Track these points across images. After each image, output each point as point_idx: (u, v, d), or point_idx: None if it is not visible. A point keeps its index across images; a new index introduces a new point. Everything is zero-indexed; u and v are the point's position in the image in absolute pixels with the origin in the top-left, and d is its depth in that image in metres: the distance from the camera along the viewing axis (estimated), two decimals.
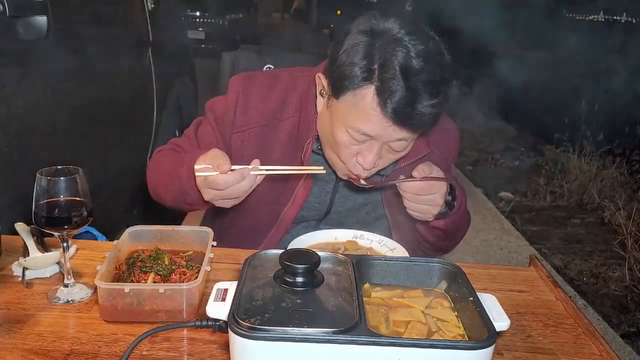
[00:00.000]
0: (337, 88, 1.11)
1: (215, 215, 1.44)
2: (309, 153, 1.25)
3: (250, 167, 1.08)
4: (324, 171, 1.15)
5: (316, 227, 1.34)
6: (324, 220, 1.35)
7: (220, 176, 1.06)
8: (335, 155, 1.20)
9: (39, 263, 1.08)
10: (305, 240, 1.22)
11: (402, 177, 1.19)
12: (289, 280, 0.83)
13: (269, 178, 1.18)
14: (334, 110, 1.15)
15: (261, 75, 1.34)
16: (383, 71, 1.04)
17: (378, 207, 1.35)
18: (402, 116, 1.05)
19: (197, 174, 1.09)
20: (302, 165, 1.24)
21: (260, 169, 1.09)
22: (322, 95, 1.21)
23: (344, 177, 1.24)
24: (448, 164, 1.41)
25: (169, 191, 1.24)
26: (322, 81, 1.19)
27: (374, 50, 1.05)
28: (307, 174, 1.27)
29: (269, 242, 1.33)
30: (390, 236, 1.32)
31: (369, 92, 1.06)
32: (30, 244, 1.12)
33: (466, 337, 0.81)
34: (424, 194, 1.17)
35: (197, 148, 1.29)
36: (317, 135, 1.25)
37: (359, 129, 1.10)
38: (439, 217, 1.23)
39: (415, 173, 1.15)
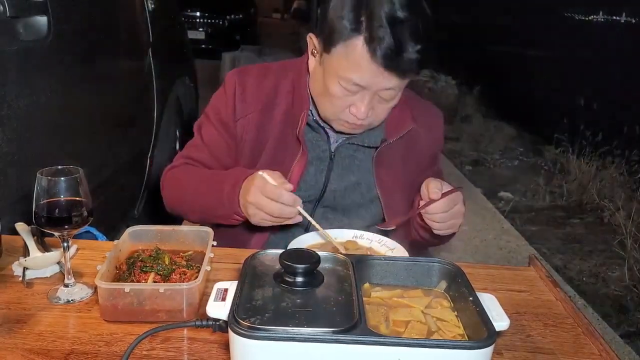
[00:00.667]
0: (328, 42, 1.17)
1: None
2: (304, 126, 1.31)
3: (301, 207, 1.16)
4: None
5: (313, 211, 1.37)
6: (321, 201, 1.37)
7: (278, 188, 1.13)
8: (330, 109, 1.25)
9: (39, 263, 1.08)
10: (305, 240, 1.23)
11: (421, 204, 1.22)
12: (289, 280, 0.83)
13: (264, 159, 1.32)
14: (326, 64, 1.21)
15: (254, 67, 1.42)
16: (371, 22, 1.11)
17: (372, 188, 1.37)
18: (390, 63, 1.11)
19: (264, 174, 1.15)
20: (297, 139, 1.31)
21: (304, 213, 1.17)
22: (313, 55, 1.28)
23: (342, 129, 1.29)
24: (437, 148, 1.48)
25: (198, 205, 1.33)
26: (313, 40, 1.26)
27: (361, 3, 1.13)
28: (303, 150, 1.31)
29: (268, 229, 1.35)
30: (383, 219, 1.36)
31: (358, 42, 1.12)
32: (31, 244, 1.12)
33: (466, 337, 0.81)
34: (448, 211, 1.21)
35: (209, 154, 1.37)
36: (311, 111, 1.32)
37: (351, 79, 1.16)
38: None
39: (433, 195, 1.19)
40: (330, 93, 1.21)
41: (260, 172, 1.16)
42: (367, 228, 1.37)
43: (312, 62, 1.29)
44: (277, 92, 1.35)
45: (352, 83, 1.16)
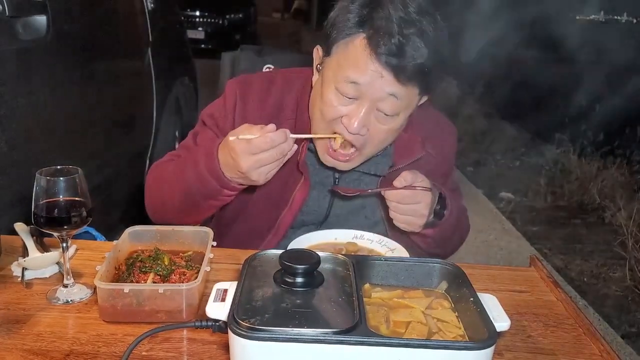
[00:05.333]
0: (330, 43, 1.12)
1: (212, 221, 1.43)
2: (304, 156, 1.25)
3: (290, 135, 1.08)
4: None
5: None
6: (324, 224, 1.34)
7: (267, 135, 1.05)
8: (320, 121, 1.17)
9: (39, 263, 1.08)
10: (305, 241, 1.22)
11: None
12: (289, 280, 0.83)
13: (265, 184, 1.18)
14: (325, 71, 1.15)
15: (257, 78, 1.33)
16: (375, 18, 1.06)
17: (376, 210, 1.33)
18: (391, 60, 1.05)
19: (240, 137, 1.06)
20: (297, 166, 1.25)
21: (297, 137, 1.10)
22: (317, 70, 1.21)
23: (328, 161, 1.21)
24: (448, 167, 1.41)
25: (177, 190, 1.22)
26: (318, 52, 1.21)
27: (366, 1, 1.09)
28: (304, 180, 1.27)
29: (267, 247, 1.31)
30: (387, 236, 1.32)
31: (359, 38, 1.08)
32: (30, 244, 1.12)
33: (466, 338, 0.81)
34: (406, 203, 1.16)
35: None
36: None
37: (348, 77, 1.09)
38: (428, 225, 1.22)
39: (396, 182, 1.14)
40: (324, 101, 1.13)
41: (231, 137, 1.08)
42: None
43: (315, 77, 1.22)
44: (281, 109, 1.27)
45: (349, 81, 1.09)
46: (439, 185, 1.26)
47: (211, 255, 1.05)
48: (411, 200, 1.16)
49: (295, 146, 1.11)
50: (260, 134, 1.06)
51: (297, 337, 0.72)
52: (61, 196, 0.96)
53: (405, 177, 1.14)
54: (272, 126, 1.06)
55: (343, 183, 1.30)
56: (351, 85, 1.09)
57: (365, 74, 1.07)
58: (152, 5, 2.80)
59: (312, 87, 1.25)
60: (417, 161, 1.29)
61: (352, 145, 1.16)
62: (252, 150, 1.06)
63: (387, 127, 1.14)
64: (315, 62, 1.22)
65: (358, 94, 1.10)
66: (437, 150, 1.33)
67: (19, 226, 1.17)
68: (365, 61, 1.07)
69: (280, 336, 0.72)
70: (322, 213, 1.32)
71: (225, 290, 0.84)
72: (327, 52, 1.15)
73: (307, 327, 0.73)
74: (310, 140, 1.25)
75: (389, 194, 1.17)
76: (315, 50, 1.22)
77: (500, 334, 0.80)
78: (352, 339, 0.72)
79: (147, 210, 1.35)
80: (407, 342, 0.74)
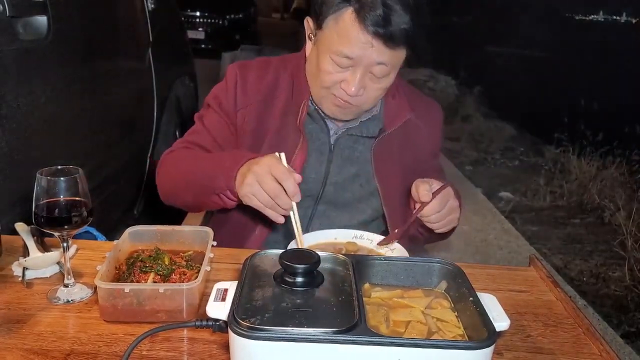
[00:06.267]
0: (321, 17, 1.20)
1: None
2: (304, 115, 1.31)
3: (295, 207, 1.13)
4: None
5: (314, 208, 1.36)
6: (322, 197, 1.36)
7: (291, 174, 1.10)
8: (321, 86, 1.25)
9: (39, 263, 1.08)
10: (305, 241, 1.22)
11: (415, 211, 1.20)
12: (289, 280, 0.83)
13: (265, 150, 1.29)
14: (319, 42, 1.23)
15: (254, 62, 1.44)
16: None
17: (370, 179, 1.38)
18: (379, 31, 1.13)
19: (281, 155, 1.16)
20: (299, 130, 1.30)
21: (295, 212, 1.14)
22: (310, 39, 1.29)
23: (331, 109, 1.28)
24: (436, 141, 1.48)
25: (193, 180, 1.28)
26: (309, 24, 1.28)
27: None
28: (303, 140, 1.31)
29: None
30: (383, 215, 1.37)
31: (347, 13, 1.15)
32: (30, 244, 1.12)
33: (466, 337, 0.81)
34: (442, 209, 1.19)
35: (212, 139, 1.36)
36: (311, 100, 1.33)
37: (341, 52, 1.17)
38: None
39: (424, 198, 1.16)
40: (321, 69, 1.22)
41: (276, 153, 1.16)
42: (369, 226, 1.38)
43: (309, 45, 1.30)
44: (278, 84, 1.37)
45: (342, 56, 1.17)
46: (437, 157, 1.36)
47: (211, 255, 1.05)
48: (444, 203, 1.19)
49: (282, 220, 1.14)
50: (288, 170, 1.11)
51: (297, 336, 0.72)
52: (62, 196, 0.96)
53: (425, 189, 1.16)
54: (298, 177, 1.11)
55: (338, 149, 1.35)
56: (345, 58, 1.17)
57: (357, 47, 1.15)
58: (152, 5, 2.80)
59: (305, 56, 1.33)
60: (406, 125, 1.36)
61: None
62: (271, 168, 1.10)
63: (381, 85, 1.24)
64: (307, 31, 1.29)
65: (352, 63, 1.18)
66: (424, 121, 1.42)
67: (20, 226, 1.17)
68: (355, 35, 1.14)
69: (281, 336, 0.72)
70: (319, 180, 1.35)
71: (226, 290, 0.84)
72: (318, 26, 1.22)
73: (307, 327, 0.73)
74: (311, 102, 1.33)
75: (426, 211, 1.18)
76: (306, 21, 1.29)
77: (499, 333, 0.80)
78: (352, 338, 0.72)
79: (160, 195, 1.41)
80: (407, 341, 0.74)
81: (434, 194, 1.17)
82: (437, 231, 1.24)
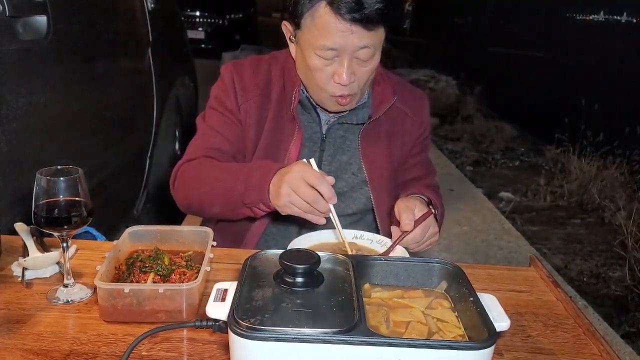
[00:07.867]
0: (297, 17, 1.22)
1: None
2: (297, 103, 1.33)
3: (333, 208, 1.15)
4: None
5: None
6: None
7: (324, 178, 1.12)
8: (316, 85, 1.27)
9: (39, 263, 1.08)
10: (305, 241, 1.22)
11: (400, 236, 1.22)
12: (289, 280, 0.83)
13: (263, 139, 1.35)
14: (301, 41, 1.25)
15: (246, 60, 1.46)
16: None
17: (362, 169, 1.40)
18: (355, 16, 1.14)
19: (312, 160, 1.18)
20: (293, 118, 1.33)
21: (333, 213, 1.17)
22: (291, 41, 1.32)
23: (335, 107, 1.31)
24: (423, 132, 1.49)
25: (220, 195, 1.27)
26: (287, 27, 1.30)
27: None
28: (298, 128, 1.34)
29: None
30: (371, 203, 1.40)
31: (321, 6, 1.17)
32: (30, 244, 1.12)
33: (466, 338, 0.81)
34: (424, 235, 1.24)
35: (225, 140, 1.37)
36: (302, 89, 1.35)
37: (324, 45, 1.19)
38: None
39: (405, 227, 1.20)
40: (310, 67, 1.24)
41: (305, 159, 1.18)
42: (365, 216, 1.43)
43: (292, 48, 1.33)
44: (271, 77, 1.40)
45: (326, 49, 1.19)
46: (420, 194, 1.36)
47: (211, 255, 1.05)
48: (425, 230, 1.24)
49: (323, 221, 1.17)
50: (319, 173, 1.13)
51: (297, 337, 0.72)
52: (61, 196, 0.96)
53: (407, 218, 1.20)
54: (331, 179, 1.14)
55: (330, 138, 1.38)
56: (329, 50, 1.20)
57: (337, 36, 1.17)
58: (152, 5, 2.80)
59: (294, 59, 1.35)
60: (393, 112, 1.39)
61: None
62: (304, 175, 1.12)
63: (370, 67, 1.25)
64: (287, 35, 1.31)
65: (337, 53, 1.20)
66: (410, 109, 1.44)
67: (19, 226, 1.17)
68: (334, 25, 1.16)
69: (280, 336, 0.72)
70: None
71: (226, 290, 0.84)
72: (297, 26, 1.24)
73: (307, 327, 0.73)
74: (304, 90, 1.35)
75: (406, 242, 1.21)
76: (283, 25, 1.31)
77: (500, 333, 0.80)
78: (352, 338, 0.72)
79: (180, 206, 1.41)
80: (407, 341, 0.74)
81: (417, 222, 1.20)
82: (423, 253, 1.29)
